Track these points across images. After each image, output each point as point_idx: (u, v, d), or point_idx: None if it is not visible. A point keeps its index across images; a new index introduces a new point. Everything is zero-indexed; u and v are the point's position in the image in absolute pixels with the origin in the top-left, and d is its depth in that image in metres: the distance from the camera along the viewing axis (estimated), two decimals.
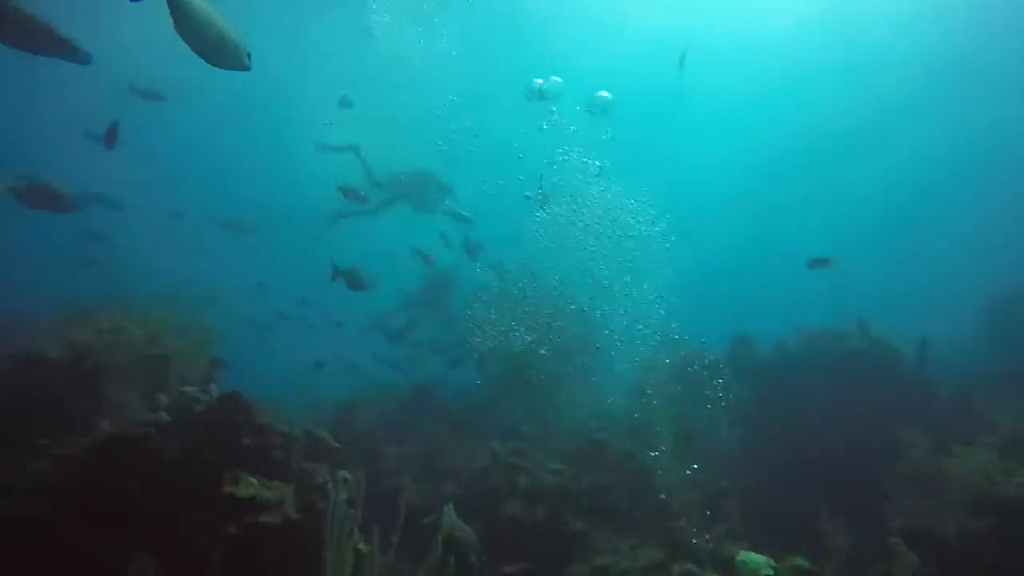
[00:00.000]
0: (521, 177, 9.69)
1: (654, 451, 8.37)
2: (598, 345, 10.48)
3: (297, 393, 11.71)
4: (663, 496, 6.94)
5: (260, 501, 4.84)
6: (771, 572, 5.25)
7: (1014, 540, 6.05)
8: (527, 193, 9.03)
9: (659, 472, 7.40)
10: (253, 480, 4.98)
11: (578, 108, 10.85)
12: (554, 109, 10.59)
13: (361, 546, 4.99)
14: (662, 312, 9.06)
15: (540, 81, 10.66)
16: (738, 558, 5.42)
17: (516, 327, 9.49)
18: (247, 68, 4.14)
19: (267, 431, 5.52)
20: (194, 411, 5.28)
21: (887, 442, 7.81)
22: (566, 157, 9.56)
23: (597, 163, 9.53)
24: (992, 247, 24.97)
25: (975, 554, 5.96)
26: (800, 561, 5.71)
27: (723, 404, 8.83)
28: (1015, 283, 13.94)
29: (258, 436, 5.48)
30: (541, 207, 8.96)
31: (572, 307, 9.72)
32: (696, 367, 10.30)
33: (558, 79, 10.75)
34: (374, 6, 14.56)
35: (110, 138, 7.82)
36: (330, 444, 6.62)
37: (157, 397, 5.84)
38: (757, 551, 5.98)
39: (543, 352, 9.57)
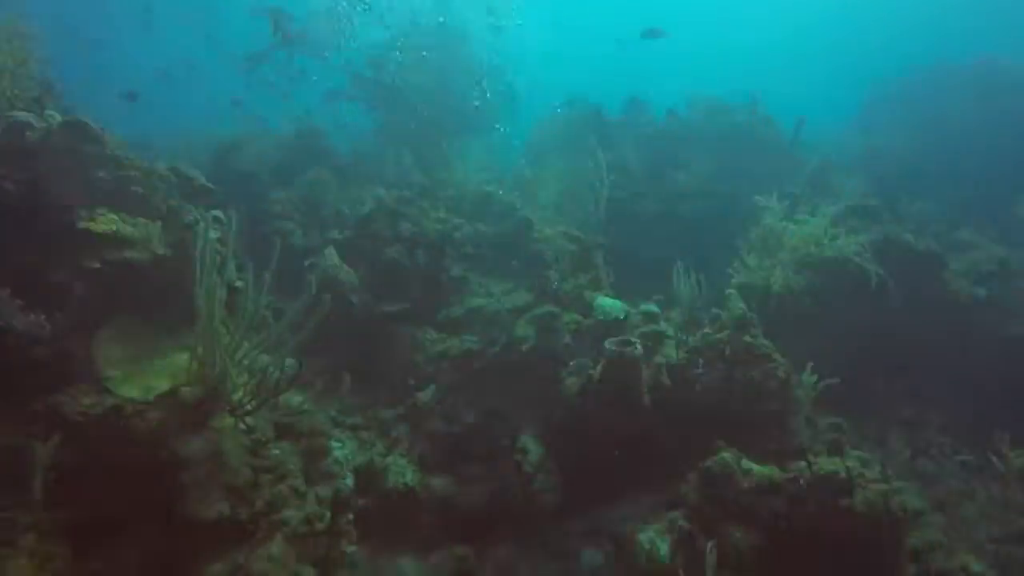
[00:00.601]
0: None
1: (537, 205, 8.71)
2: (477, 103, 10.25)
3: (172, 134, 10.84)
4: (538, 247, 7.39)
5: (122, 237, 4.69)
6: (623, 315, 5.94)
7: (823, 293, 7.16)
8: None
9: (538, 225, 7.78)
10: (113, 216, 4.76)
11: None
12: None
13: (238, 283, 5.09)
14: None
15: None
16: (595, 302, 6.05)
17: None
18: None
19: (124, 164, 5.15)
20: (27, 139, 4.75)
21: (750, 207, 8.53)
22: None
23: None
24: None
25: (790, 304, 7.04)
26: (650, 307, 6.46)
27: (606, 163, 9.11)
28: None
29: (115, 170, 5.12)
30: None
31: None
32: (588, 126, 10.37)
33: None
34: None
35: None
36: (201, 183, 6.32)
37: None
38: (617, 298, 6.70)
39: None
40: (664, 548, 5.06)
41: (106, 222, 4.58)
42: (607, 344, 5.30)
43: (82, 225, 4.51)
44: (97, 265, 4.62)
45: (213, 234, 4.86)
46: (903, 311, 7.46)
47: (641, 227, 9.73)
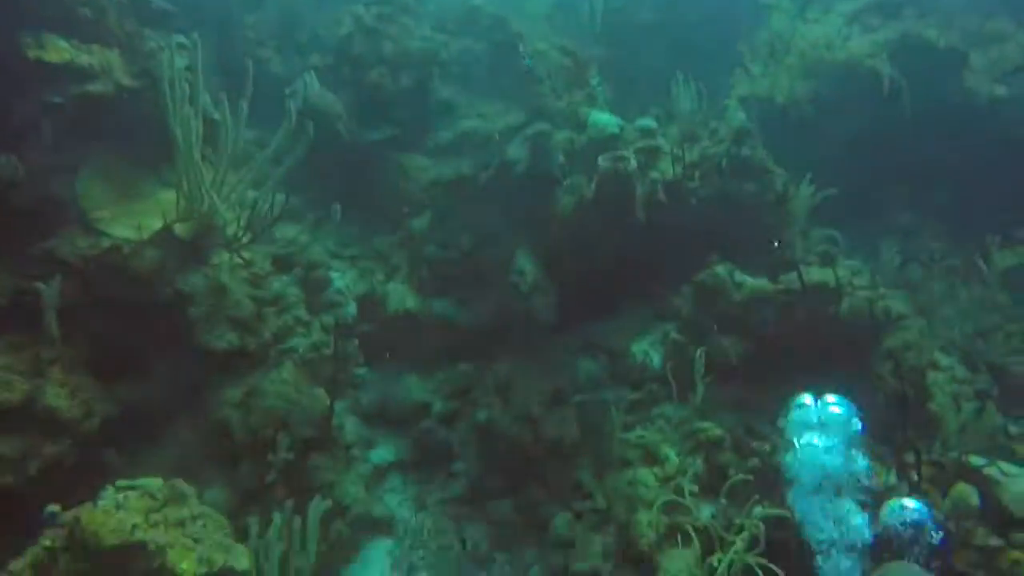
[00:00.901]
0: None
1: (527, 17, 8.05)
2: None
3: None
4: (529, 63, 6.93)
5: (79, 67, 4.39)
6: (617, 131, 5.72)
7: (830, 101, 6.81)
8: None
9: (528, 39, 7.23)
10: (63, 43, 4.41)
11: None
12: None
13: (215, 116, 4.85)
14: None
15: None
16: (590, 118, 5.80)
17: None
18: None
19: None
20: None
21: (757, 9, 7.85)
22: None
23: None
24: None
25: (794, 114, 6.73)
26: (647, 122, 6.20)
27: None
28: None
29: None
30: None
31: None
32: None
33: None
34: None
35: None
36: (159, 5, 5.79)
37: None
38: (612, 114, 6.41)
39: None
40: (657, 358, 5.33)
41: (56, 50, 4.24)
42: (601, 160, 5.16)
43: (32, 54, 4.19)
44: (59, 100, 4.38)
45: (180, 61, 4.55)
46: (914, 116, 7.14)
47: (639, 38, 9.05)
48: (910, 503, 3.28)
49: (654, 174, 5.52)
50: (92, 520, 3.21)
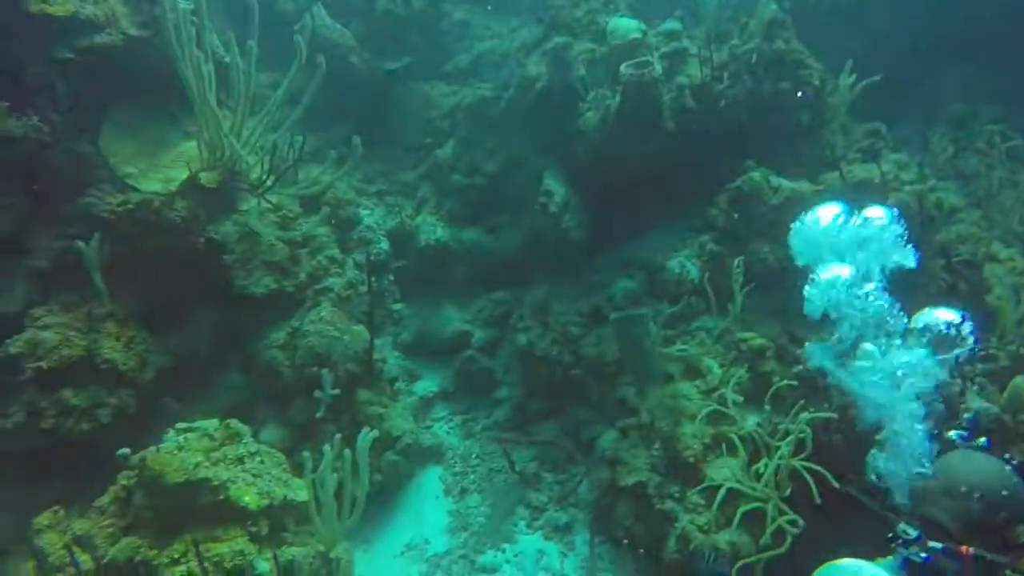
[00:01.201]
0: None
1: None
2: None
3: None
4: None
5: (85, 18, 4.32)
6: (640, 35, 5.40)
7: None
8: None
9: None
10: None
11: None
12: None
13: (226, 60, 4.76)
14: None
15: None
16: (610, 25, 5.48)
17: None
18: None
19: None
20: None
21: None
22: None
23: None
24: None
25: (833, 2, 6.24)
26: (671, 24, 5.84)
27: None
28: None
29: None
30: None
31: None
32: None
33: None
34: None
35: None
36: None
37: None
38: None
39: None
40: (694, 271, 5.22)
41: (59, 2, 4.17)
42: (623, 68, 4.90)
43: (35, 8, 4.13)
44: (70, 55, 4.34)
45: (184, 4, 4.44)
46: None
47: None
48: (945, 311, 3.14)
49: (681, 79, 5.22)
50: (157, 461, 3.39)
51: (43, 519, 3.73)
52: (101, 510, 3.54)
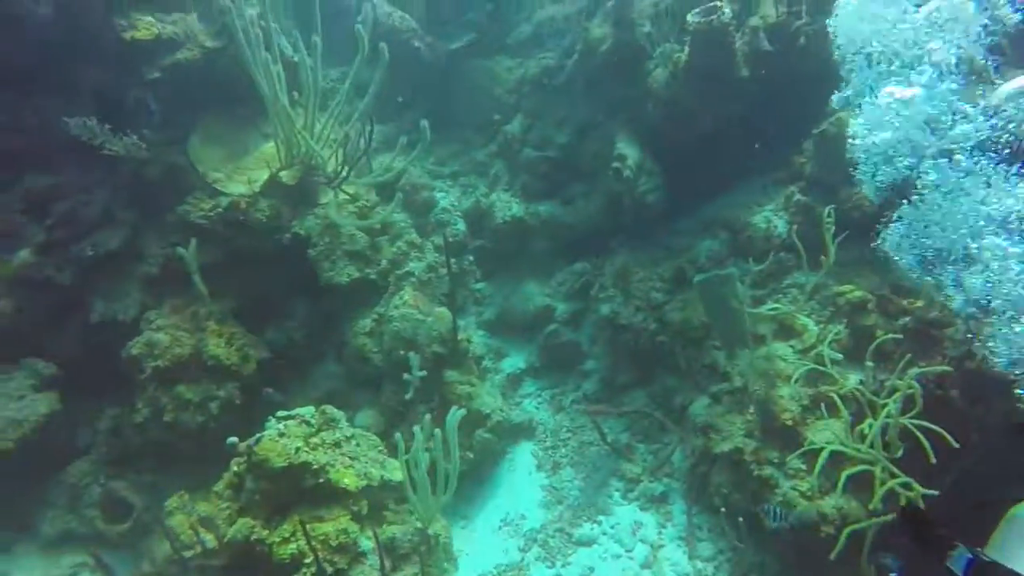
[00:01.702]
0: None
1: None
2: None
3: None
4: None
5: (167, 39, 4.58)
6: None
7: None
8: None
9: None
10: (149, 18, 4.61)
11: None
12: None
13: (295, 59, 4.91)
14: None
15: None
16: None
17: None
18: None
19: None
20: None
21: None
22: None
23: None
24: None
25: None
26: None
27: None
28: None
29: None
30: None
31: None
32: None
33: None
34: None
35: None
36: None
37: None
38: None
39: None
40: (781, 225, 4.93)
41: (145, 27, 4.45)
42: (690, 17, 4.63)
43: (128, 36, 4.43)
44: (158, 74, 4.63)
45: (251, 10, 4.60)
46: None
47: None
48: None
49: (754, 20, 4.88)
50: (261, 448, 3.61)
51: (172, 502, 4.10)
52: (219, 494, 3.82)
